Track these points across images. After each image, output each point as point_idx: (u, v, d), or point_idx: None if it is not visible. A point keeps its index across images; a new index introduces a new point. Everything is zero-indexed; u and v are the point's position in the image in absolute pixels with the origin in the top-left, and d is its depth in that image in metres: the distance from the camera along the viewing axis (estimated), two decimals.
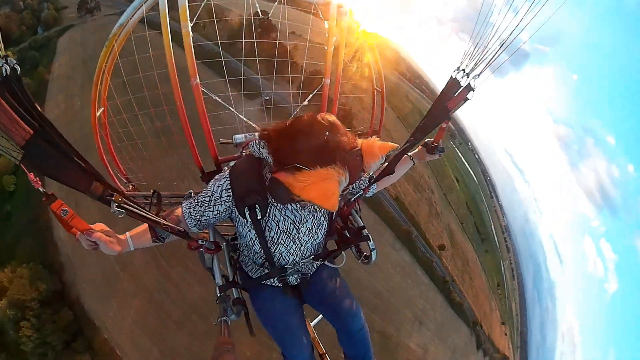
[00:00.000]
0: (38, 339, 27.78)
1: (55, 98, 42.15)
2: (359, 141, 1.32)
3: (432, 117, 1.66)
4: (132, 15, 2.00)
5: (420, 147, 2.02)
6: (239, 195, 1.44)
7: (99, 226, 1.27)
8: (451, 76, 1.53)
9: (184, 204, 1.56)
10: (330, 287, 1.84)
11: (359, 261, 2.02)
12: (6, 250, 31.83)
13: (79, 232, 1.18)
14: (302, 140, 1.28)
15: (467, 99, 1.52)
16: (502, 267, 78.36)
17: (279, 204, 1.51)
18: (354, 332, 1.79)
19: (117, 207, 1.14)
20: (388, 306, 41.57)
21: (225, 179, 1.48)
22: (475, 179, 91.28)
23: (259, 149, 1.44)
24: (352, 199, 1.92)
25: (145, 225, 1.42)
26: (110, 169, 2.19)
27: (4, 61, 0.83)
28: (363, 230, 1.93)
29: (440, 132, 1.93)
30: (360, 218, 2.01)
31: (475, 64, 1.45)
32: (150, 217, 1.32)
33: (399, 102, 75.10)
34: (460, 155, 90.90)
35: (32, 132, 0.86)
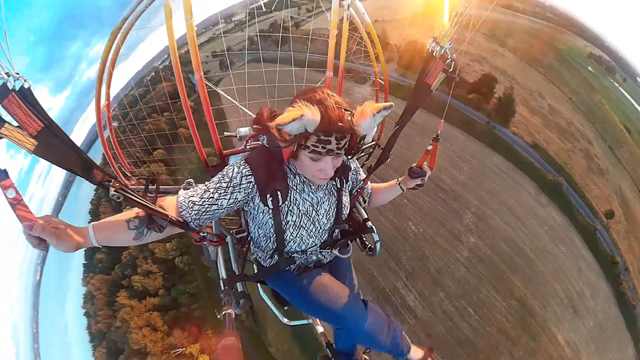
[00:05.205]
0: None
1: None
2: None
3: (415, 97, 1.64)
4: (134, 9, 2.02)
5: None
6: (262, 182, 1.44)
7: (46, 218, 1.08)
8: (427, 49, 1.54)
9: (181, 194, 1.42)
10: (342, 278, 1.82)
11: (364, 253, 2.03)
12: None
13: (22, 227, 1.04)
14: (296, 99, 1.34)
15: (447, 71, 1.52)
16: None
17: (297, 188, 1.54)
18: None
19: (114, 191, 1.14)
20: (533, 271, 34.17)
21: (244, 166, 1.44)
22: None
23: (264, 136, 1.49)
24: (354, 191, 1.91)
25: (119, 219, 1.28)
26: (114, 162, 2.35)
27: (24, 79, 1.03)
28: (367, 223, 1.93)
29: (424, 156, 1.81)
30: (365, 211, 2.01)
31: (447, 32, 1.45)
32: (147, 204, 1.25)
33: (520, 41, 59.46)
34: (629, 96, 62.89)
35: (42, 125, 1.04)
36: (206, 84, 2.01)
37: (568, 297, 34.05)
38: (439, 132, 1.72)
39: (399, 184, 1.93)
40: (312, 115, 1.22)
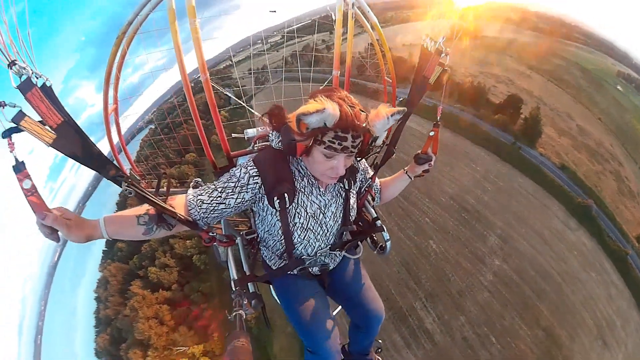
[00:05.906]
0: None
1: None
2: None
3: (414, 90, 1.70)
4: (138, 13, 2.09)
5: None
6: (270, 184, 1.46)
7: (60, 210, 1.13)
8: (421, 45, 1.63)
9: (190, 192, 1.45)
10: (352, 278, 1.88)
11: (375, 252, 2.07)
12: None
13: (36, 217, 1.08)
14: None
15: (442, 64, 1.59)
16: None
17: (305, 190, 1.56)
18: (371, 326, 1.88)
19: (126, 186, 1.18)
20: (561, 298, 31.58)
21: (251, 167, 1.46)
22: None
23: (273, 137, 1.51)
24: (363, 190, 1.91)
25: (130, 214, 1.32)
26: (122, 165, 2.44)
27: (46, 78, 1.11)
28: (377, 222, 1.93)
29: (427, 142, 1.87)
30: (374, 209, 2.02)
31: (439, 28, 1.57)
32: (157, 201, 1.28)
33: (547, 62, 57.72)
34: None
35: (62, 119, 1.10)
36: (212, 86, 2.03)
37: (597, 327, 31.27)
38: (438, 117, 1.81)
39: (407, 172, 1.98)
40: (332, 110, 1.26)
